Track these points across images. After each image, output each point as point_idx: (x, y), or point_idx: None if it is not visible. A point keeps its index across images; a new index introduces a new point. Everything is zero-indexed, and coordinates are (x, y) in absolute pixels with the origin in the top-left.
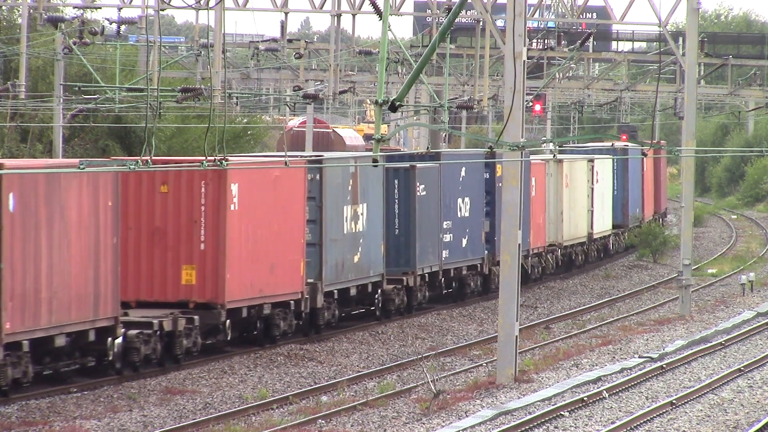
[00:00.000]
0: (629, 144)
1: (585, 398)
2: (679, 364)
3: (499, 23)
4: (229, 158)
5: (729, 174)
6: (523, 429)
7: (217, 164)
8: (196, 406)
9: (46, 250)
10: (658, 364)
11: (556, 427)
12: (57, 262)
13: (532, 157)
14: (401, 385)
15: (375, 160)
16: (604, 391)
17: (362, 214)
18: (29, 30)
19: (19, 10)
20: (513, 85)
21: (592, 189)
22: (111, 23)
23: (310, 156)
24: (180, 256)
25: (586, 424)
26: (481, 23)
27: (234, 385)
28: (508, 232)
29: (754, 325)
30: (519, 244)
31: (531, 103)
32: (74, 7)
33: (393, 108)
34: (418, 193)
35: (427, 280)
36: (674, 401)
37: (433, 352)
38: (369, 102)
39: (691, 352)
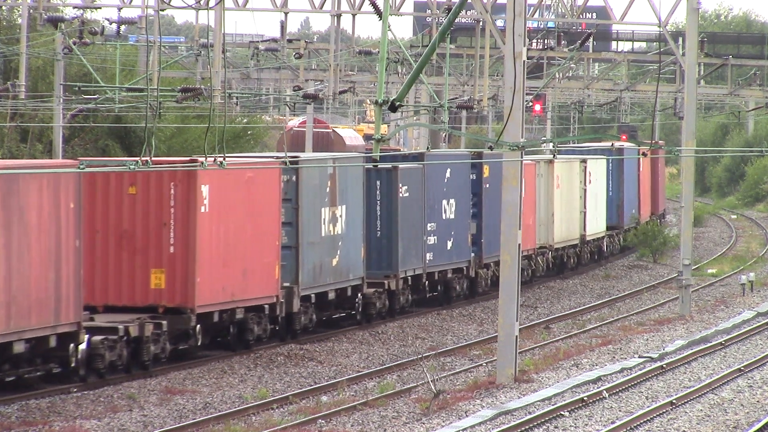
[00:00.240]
0: (625, 144)
1: (585, 398)
2: (679, 364)
3: (499, 23)
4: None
5: (729, 174)
6: (523, 429)
7: (217, 164)
8: (196, 405)
9: (4, 253)
10: (658, 364)
11: (556, 427)
12: (16, 266)
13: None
14: (401, 385)
15: (375, 161)
16: (604, 391)
17: (341, 216)
18: (29, 30)
19: (19, 10)
20: (513, 85)
21: (585, 190)
22: (111, 23)
23: (285, 157)
24: (149, 259)
25: (586, 424)
26: (481, 23)
27: (234, 385)
28: (508, 232)
29: (754, 325)
30: (519, 244)
31: (531, 103)
32: (74, 7)
33: (393, 108)
34: (401, 195)
35: (410, 283)
36: (674, 401)
37: (433, 352)
38: (369, 102)
39: (691, 352)
